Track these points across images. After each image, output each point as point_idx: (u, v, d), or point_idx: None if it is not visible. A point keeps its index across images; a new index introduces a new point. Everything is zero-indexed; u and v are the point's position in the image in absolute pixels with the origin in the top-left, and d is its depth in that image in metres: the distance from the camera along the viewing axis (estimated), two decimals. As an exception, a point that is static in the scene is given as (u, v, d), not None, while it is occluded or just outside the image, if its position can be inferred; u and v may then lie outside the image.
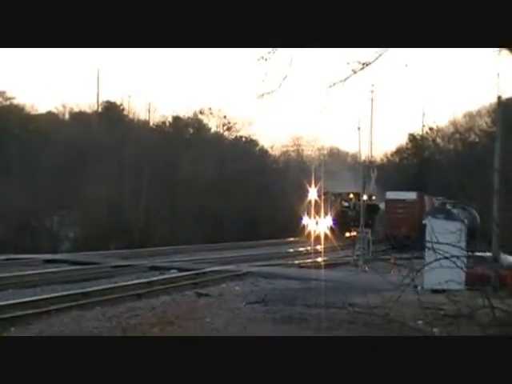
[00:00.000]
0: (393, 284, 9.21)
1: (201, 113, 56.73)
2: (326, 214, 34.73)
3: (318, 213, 33.75)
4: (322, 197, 35.85)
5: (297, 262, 28.21)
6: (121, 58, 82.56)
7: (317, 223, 34.08)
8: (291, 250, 34.19)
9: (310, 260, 28.34)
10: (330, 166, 61.00)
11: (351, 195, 52.95)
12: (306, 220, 38.99)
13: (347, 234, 47.63)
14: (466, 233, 15.53)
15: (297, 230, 42.41)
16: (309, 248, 32.35)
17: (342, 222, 46.28)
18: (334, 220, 39.48)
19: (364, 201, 35.08)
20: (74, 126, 50.72)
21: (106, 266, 24.35)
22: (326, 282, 20.17)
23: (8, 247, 33.22)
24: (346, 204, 50.74)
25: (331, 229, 36.44)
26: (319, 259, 28.75)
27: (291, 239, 44.24)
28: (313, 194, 33.05)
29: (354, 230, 46.69)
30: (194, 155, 50.44)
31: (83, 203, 43.04)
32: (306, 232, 37.83)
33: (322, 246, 30.34)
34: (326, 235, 32.65)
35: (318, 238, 32.06)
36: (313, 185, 33.03)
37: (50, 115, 53.67)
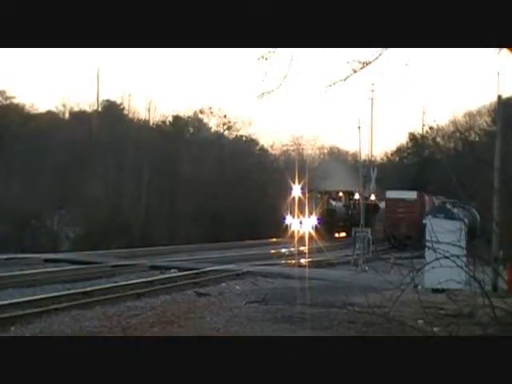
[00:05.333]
0: (393, 283, 9.20)
1: (201, 112, 56.70)
2: (310, 212, 33.72)
3: (302, 212, 32.68)
4: (307, 195, 34.67)
5: (296, 261, 28.19)
6: (121, 58, 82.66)
7: (301, 223, 32.96)
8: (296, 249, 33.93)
9: (308, 259, 28.31)
10: (330, 165, 60.84)
11: (340, 193, 51.37)
12: (289, 219, 37.76)
13: (336, 235, 46.72)
14: (466, 232, 15.53)
15: (280, 229, 40.50)
16: (292, 249, 31.51)
17: (329, 222, 45.04)
18: (319, 219, 38.44)
19: (357, 199, 34.32)
20: (74, 125, 50.73)
21: (106, 266, 24.34)
22: (326, 282, 20.19)
23: (8, 246, 33.29)
24: (333, 203, 49.21)
25: (316, 229, 35.40)
26: (320, 258, 28.67)
27: (274, 239, 42.36)
28: (297, 191, 31.79)
29: (343, 231, 45.77)
30: (193, 155, 50.42)
31: (83, 202, 43.10)
32: (290, 232, 36.61)
33: (307, 248, 29.60)
34: (310, 235, 31.68)
35: (302, 238, 31.15)
36: (296, 182, 31.72)
37: (50, 114, 53.70)
